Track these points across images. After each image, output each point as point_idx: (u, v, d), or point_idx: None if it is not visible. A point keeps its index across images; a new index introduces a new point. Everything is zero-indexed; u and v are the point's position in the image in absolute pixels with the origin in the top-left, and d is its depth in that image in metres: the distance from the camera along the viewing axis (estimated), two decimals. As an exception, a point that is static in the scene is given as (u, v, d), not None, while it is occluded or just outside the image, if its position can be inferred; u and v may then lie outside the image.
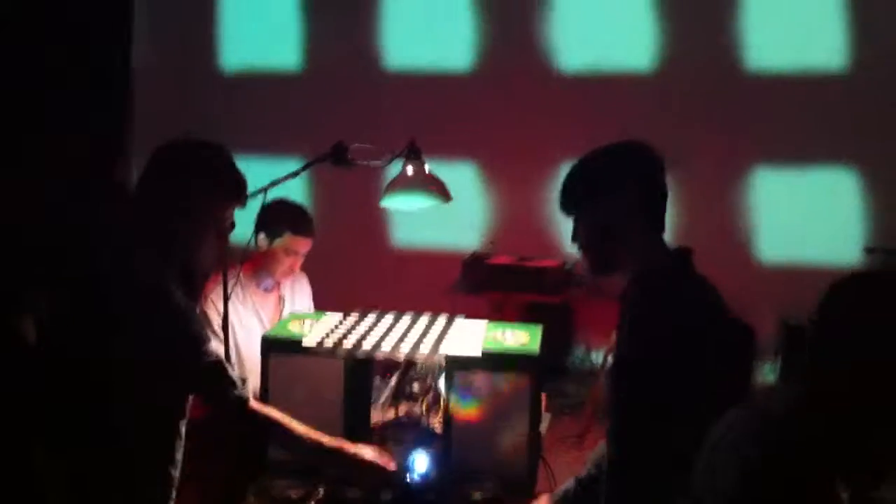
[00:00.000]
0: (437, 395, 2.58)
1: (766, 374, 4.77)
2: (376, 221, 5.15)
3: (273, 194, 2.72)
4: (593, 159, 2.00)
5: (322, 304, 3.34)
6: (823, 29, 4.82)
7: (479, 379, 2.34)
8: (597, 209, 1.96)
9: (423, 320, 2.65)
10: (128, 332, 1.98)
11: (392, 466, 2.27)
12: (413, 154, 2.74)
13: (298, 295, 3.35)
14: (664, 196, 1.99)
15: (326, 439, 2.20)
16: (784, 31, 4.87)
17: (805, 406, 1.47)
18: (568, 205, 2.02)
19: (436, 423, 2.52)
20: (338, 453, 2.21)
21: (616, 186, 1.95)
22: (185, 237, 2.12)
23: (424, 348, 2.40)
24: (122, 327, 1.99)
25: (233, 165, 2.16)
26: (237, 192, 2.18)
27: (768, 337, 4.78)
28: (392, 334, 2.51)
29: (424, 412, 2.59)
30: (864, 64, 4.79)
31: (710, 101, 4.96)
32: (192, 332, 2.04)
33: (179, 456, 2.12)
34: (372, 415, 2.57)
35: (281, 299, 3.27)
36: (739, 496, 1.45)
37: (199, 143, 2.16)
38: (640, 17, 5.05)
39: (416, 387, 2.69)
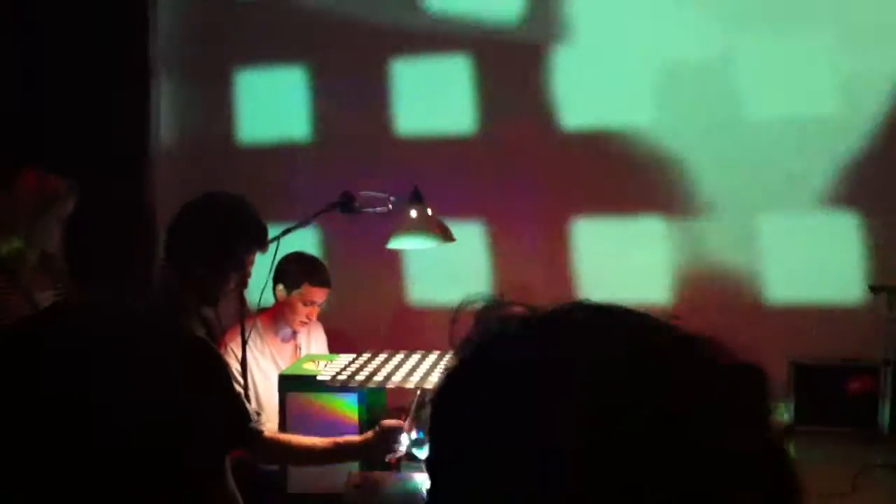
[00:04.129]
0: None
1: (781, 413, 4.81)
2: (389, 272, 5.23)
3: (287, 247, 2.87)
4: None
5: (337, 351, 3.44)
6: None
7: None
8: None
9: (433, 356, 2.76)
10: (148, 375, 2.09)
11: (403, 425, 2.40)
12: (416, 198, 2.90)
13: (314, 343, 3.48)
14: None
15: (336, 439, 2.35)
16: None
17: None
18: None
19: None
20: (349, 444, 2.37)
21: None
22: (208, 282, 2.27)
23: (435, 378, 2.51)
24: (145, 370, 2.10)
25: (255, 212, 2.32)
26: (260, 237, 2.34)
27: (779, 377, 4.84)
28: (403, 368, 2.62)
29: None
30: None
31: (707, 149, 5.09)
32: (209, 365, 2.16)
33: None
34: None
35: (298, 348, 3.40)
36: None
37: (223, 194, 2.33)
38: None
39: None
